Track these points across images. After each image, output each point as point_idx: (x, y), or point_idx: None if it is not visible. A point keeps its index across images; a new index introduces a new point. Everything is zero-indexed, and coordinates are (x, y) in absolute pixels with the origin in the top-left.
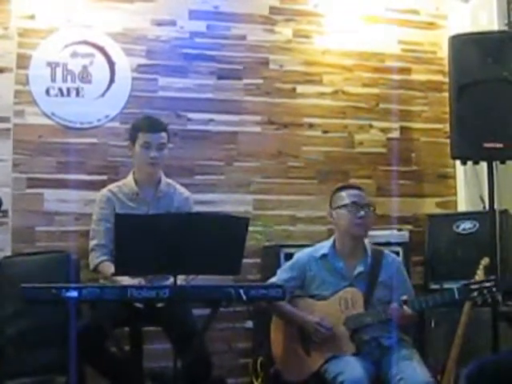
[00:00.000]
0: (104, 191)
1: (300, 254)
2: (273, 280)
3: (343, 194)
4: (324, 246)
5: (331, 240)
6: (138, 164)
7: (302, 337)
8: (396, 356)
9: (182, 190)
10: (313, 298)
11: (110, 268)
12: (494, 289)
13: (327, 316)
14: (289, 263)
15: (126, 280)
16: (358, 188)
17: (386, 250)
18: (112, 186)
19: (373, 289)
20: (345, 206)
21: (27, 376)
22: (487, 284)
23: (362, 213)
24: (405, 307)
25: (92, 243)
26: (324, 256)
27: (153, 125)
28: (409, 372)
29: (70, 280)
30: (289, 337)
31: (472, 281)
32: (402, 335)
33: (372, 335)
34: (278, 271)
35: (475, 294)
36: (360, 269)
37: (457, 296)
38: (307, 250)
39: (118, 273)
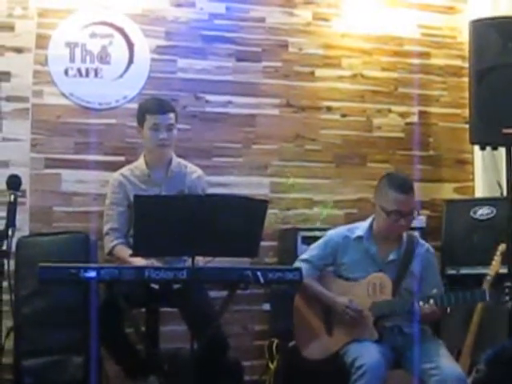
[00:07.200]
0: (116, 175)
1: (334, 233)
2: (304, 256)
3: (391, 195)
4: (360, 228)
5: (368, 221)
6: (148, 146)
7: (325, 316)
8: (424, 347)
9: (193, 168)
10: (341, 278)
11: (124, 251)
12: None
13: (354, 299)
14: (322, 240)
15: (140, 263)
16: (408, 191)
17: (421, 239)
18: (124, 170)
19: (402, 277)
20: (387, 212)
21: (44, 355)
22: None
23: (403, 222)
24: (431, 302)
25: (106, 227)
26: (359, 238)
27: (160, 106)
28: (442, 366)
29: (87, 260)
30: (312, 315)
31: (506, 284)
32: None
33: (394, 323)
34: (311, 247)
35: (507, 298)
36: (393, 256)
37: (488, 298)
38: (342, 229)
39: (135, 253)
